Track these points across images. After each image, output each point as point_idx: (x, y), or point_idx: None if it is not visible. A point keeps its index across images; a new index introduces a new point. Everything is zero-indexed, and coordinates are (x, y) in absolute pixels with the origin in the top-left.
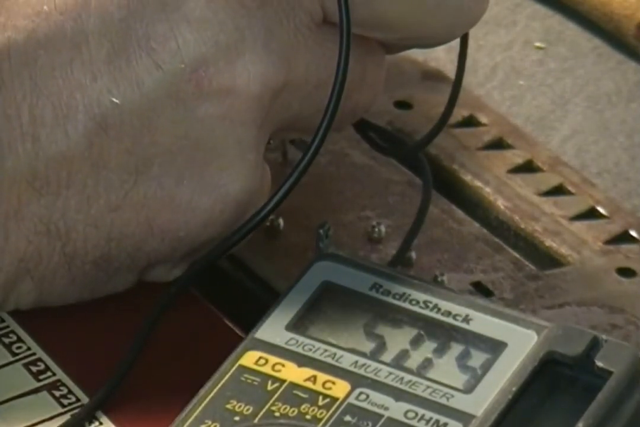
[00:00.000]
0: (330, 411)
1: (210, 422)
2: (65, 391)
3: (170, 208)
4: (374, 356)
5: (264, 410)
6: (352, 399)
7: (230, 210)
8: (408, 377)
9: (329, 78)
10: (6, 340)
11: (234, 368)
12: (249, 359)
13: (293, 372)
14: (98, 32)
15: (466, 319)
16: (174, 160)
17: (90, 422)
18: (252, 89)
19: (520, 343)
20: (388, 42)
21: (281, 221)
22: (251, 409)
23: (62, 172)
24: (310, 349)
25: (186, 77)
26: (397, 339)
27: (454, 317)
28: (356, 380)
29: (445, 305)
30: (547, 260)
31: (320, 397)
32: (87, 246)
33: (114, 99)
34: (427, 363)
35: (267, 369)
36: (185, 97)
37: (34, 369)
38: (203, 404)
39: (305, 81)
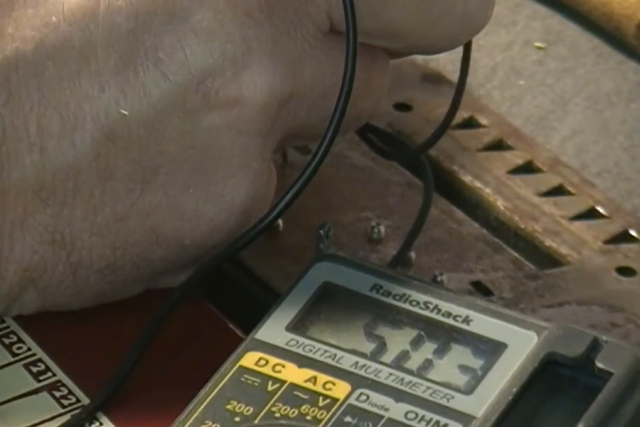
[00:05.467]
0: (331, 412)
1: (210, 423)
2: (65, 391)
3: (175, 216)
4: (375, 356)
5: (264, 411)
6: (352, 400)
7: (235, 217)
8: (408, 378)
9: (334, 86)
10: (6, 340)
11: (234, 369)
12: (249, 360)
13: (293, 373)
14: (106, 43)
15: (466, 320)
16: (180, 170)
17: (91, 423)
18: (258, 100)
19: (521, 344)
20: (393, 49)
21: (281, 222)
22: (251, 409)
23: (69, 183)
24: (311, 350)
25: (193, 88)
26: (398, 340)
27: (454, 318)
28: (356, 381)
29: (445, 306)
30: (547, 260)
31: (321, 398)
32: (93, 255)
33: (122, 110)
34: (427, 364)
35: (267, 370)
36: (192, 107)
37: (34, 369)
38: (203, 405)
39: (312, 90)
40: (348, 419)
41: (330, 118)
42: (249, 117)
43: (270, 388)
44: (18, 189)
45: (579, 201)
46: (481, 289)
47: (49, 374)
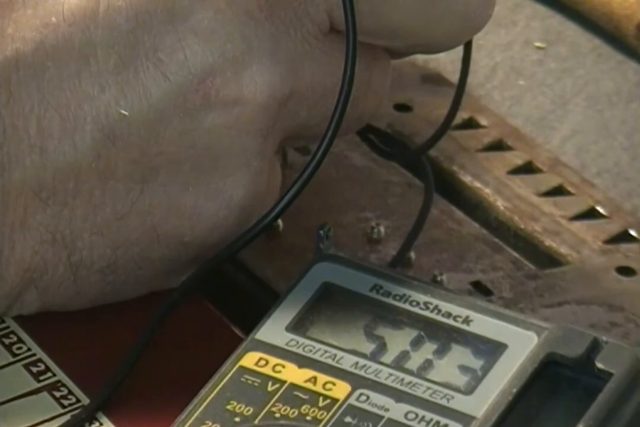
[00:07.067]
0: (331, 412)
1: (210, 423)
2: (65, 391)
3: (175, 215)
4: (375, 357)
5: (264, 411)
6: (352, 400)
7: (234, 215)
8: (408, 378)
9: (335, 86)
10: (6, 341)
11: (234, 369)
12: (250, 360)
13: (293, 373)
14: (106, 43)
15: (466, 321)
16: (180, 169)
17: (91, 423)
18: (259, 99)
19: (521, 344)
20: (393, 49)
21: (281, 222)
22: (251, 410)
23: (69, 183)
24: (311, 350)
25: (193, 87)
26: (398, 340)
27: (454, 318)
28: (356, 381)
29: (445, 306)
30: (547, 260)
31: (321, 398)
32: (93, 255)
33: (122, 111)
34: (427, 364)
35: (267, 370)
36: (193, 107)
37: (34, 369)
38: (203, 405)
39: (312, 90)
40: (348, 419)
41: (330, 118)
42: (250, 117)
43: (270, 388)
44: (18, 190)
45: (579, 201)
46: (481, 289)
47: (49, 374)
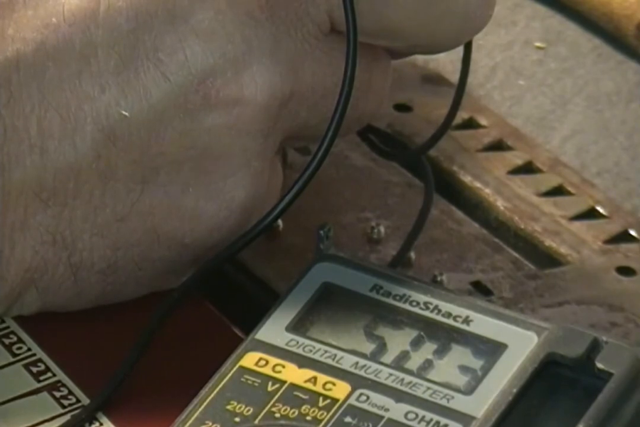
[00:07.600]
0: (331, 412)
1: (210, 423)
2: (65, 391)
3: (176, 215)
4: (375, 357)
5: (264, 411)
6: (352, 400)
7: (235, 216)
8: (408, 378)
9: (335, 87)
10: (6, 341)
11: (234, 369)
12: (250, 360)
13: (293, 374)
14: (106, 44)
15: (466, 321)
16: (180, 169)
17: (91, 423)
18: (259, 100)
19: (521, 345)
20: (394, 49)
21: (281, 222)
22: (252, 410)
23: (70, 184)
24: (311, 350)
25: (194, 88)
26: (398, 340)
27: (455, 318)
28: (356, 381)
29: (445, 306)
30: (547, 260)
31: (321, 399)
32: (94, 256)
33: (122, 111)
34: (427, 364)
35: (267, 370)
36: (193, 108)
37: (34, 369)
38: (203, 405)
39: (312, 90)
40: (348, 419)
41: (331, 119)
42: (250, 117)
43: (270, 388)
44: (19, 191)
45: (579, 201)
46: (481, 289)
47: (49, 374)
